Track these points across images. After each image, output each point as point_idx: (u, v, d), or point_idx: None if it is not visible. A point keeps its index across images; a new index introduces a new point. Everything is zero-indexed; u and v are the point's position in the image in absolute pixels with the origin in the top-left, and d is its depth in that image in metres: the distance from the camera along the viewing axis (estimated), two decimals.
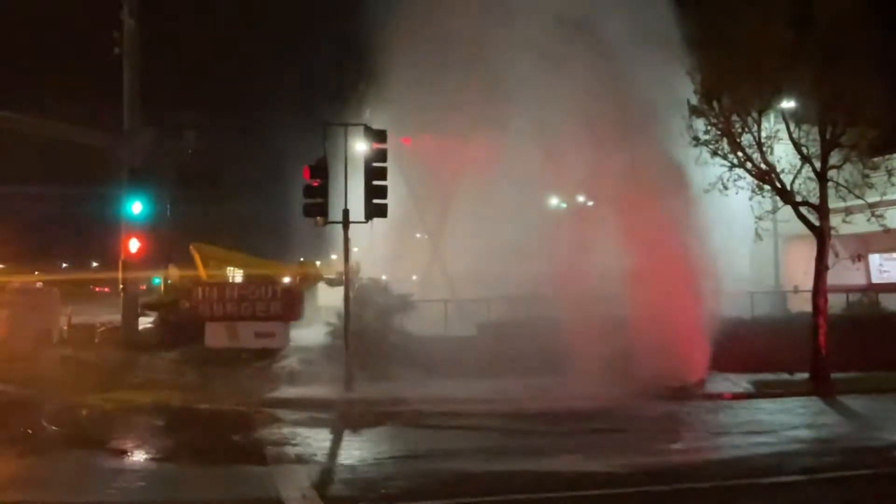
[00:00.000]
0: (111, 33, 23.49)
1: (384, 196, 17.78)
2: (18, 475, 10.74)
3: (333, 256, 25.17)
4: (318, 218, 17.72)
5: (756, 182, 18.43)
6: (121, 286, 23.48)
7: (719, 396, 17.41)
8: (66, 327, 26.51)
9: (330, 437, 14.12)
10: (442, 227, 28.63)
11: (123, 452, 12.73)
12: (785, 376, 19.05)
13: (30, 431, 13.58)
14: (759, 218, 18.53)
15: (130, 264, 23.33)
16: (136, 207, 22.61)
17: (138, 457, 12.63)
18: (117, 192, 23.68)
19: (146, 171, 23.53)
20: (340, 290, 18.84)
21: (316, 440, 13.44)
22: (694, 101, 18.32)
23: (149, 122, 24.94)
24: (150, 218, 23.16)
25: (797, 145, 18.24)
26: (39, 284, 30.28)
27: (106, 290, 24.11)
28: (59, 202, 39.17)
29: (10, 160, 32.56)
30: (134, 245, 22.60)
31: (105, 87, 26.82)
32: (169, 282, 27.18)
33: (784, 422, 14.54)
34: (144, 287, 28.77)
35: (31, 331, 23.52)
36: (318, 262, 30.67)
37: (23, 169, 34.82)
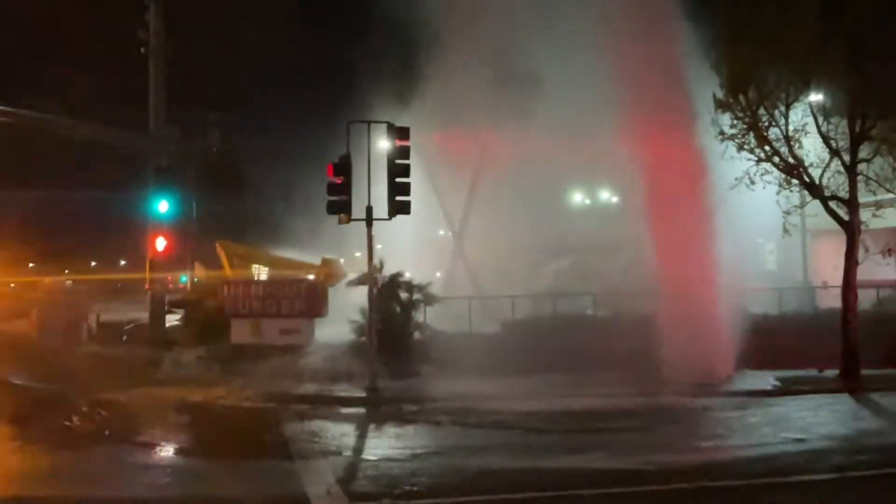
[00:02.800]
0: (137, 34, 23.75)
1: (407, 193, 17.78)
2: (50, 469, 10.92)
3: (357, 254, 25.19)
4: (342, 215, 17.76)
5: (784, 176, 18.17)
6: (147, 284, 23.75)
7: (747, 393, 17.18)
8: (94, 325, 26.87)
9: (354, 433, 14.17)
10: (465, 223, 28.59)
11: (151, 447, 12.90)
12: (814, 373, 18.77)
13: (60, 426, 13.79)
14: (787, 213, 18.29)
15: (157, 263, 23.57)
16: (163, 206, 22.81)
17: (165, 452, 12.79)
18: (144, 192, 23.93)
19: (172, 170, 23.73)
20: (364, 287, 18.89)
21: (340, 436, 13.50)
22: (720, 94, 18.09)
23: (174, 121, 25.17)
24: (176, 216, 23.36)
25: (826, 139, 17.93)
26: (69, 283, 30.74)
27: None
28: (88, 202, 39.64)
29: (38, 161, 33.06)
30: (160, 244, 22.81)
31: (130, 86, 27.11)
32: (196, 280, 27.47)
33: (813, 419, 14.33)
34: (172, 285, 29.09)
35: (61, 328, 23.89)
36: (342, 260, 30.74)
37: (51, 169, 35.32)
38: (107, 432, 13.65)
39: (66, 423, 14.14)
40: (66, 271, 45.46)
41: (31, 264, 50.22)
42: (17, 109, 23.63)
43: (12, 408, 15.87)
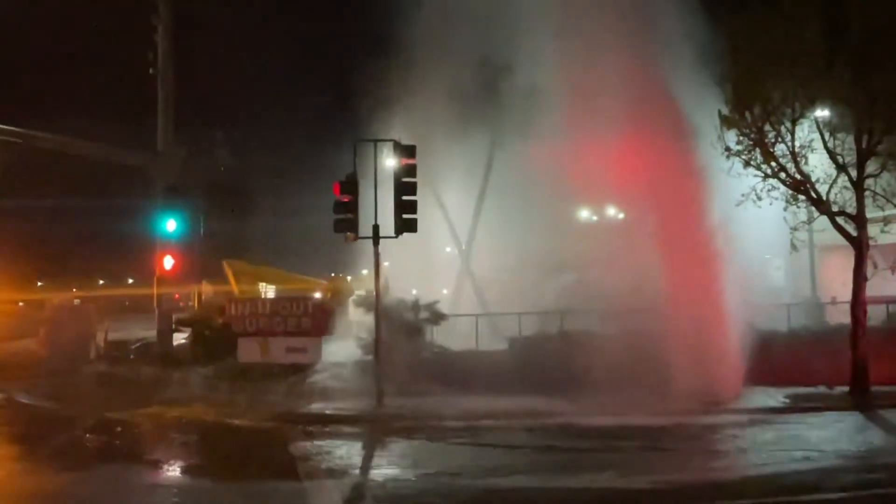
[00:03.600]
0: (145, 54, 23.97)
1: (414, 211, 17.83)
2: (56, 489, 10.87)
3: (364, 271, 25.25)
4: (349, 233, 17.81)
5: (791, 192, 18.13)
6: (155, 303, 23.80)
7: (756, 411, 17.06)
8: (102, 343, 26.91)
9: (362, 452, 14.13)
10: (472, 240, 28.61)
11: (158, 467, 12.89)
12: (823, 390, 18.62)
13: (67, 446, 13.79)
14: (795, 228, 18.23)
15: (165, 281, 23.66)
16: (171, 225, 22.94)
17: (173, 471, 12.77)
18: (152, 210, 24.06)
19: (180, 188, 23.87)
20: (370, 306, 18.90)
21: (348, 455, 13.46)
22: (725, 111, 18.11)
23: (182, 140, 25.34)
24: (183, 235, 23.46)
25: (832, 154, 17.91)
26: (77, 301, 30.84)
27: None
28: (95, 220, 39.90)
29: (45, 179, 33.29)
30: (168, 262, 22.90)
31: (137, 105, 27.36)
32: (203, 298, 27.53)
33: (823, 437, 14.22)
34: (183, 303, 29.15)
35: (69, 347, 23.92)
36: (348, 278, 30.82)
37: (58, 188, 35.57)
38: (114, 452, 13.62)
39: (74, 442, 14.15)
40: (74, 289, 45.60)
41: (39, 283, 50.42)
42: (26, 130, 23.87)
43: (19, 427, 15.91)
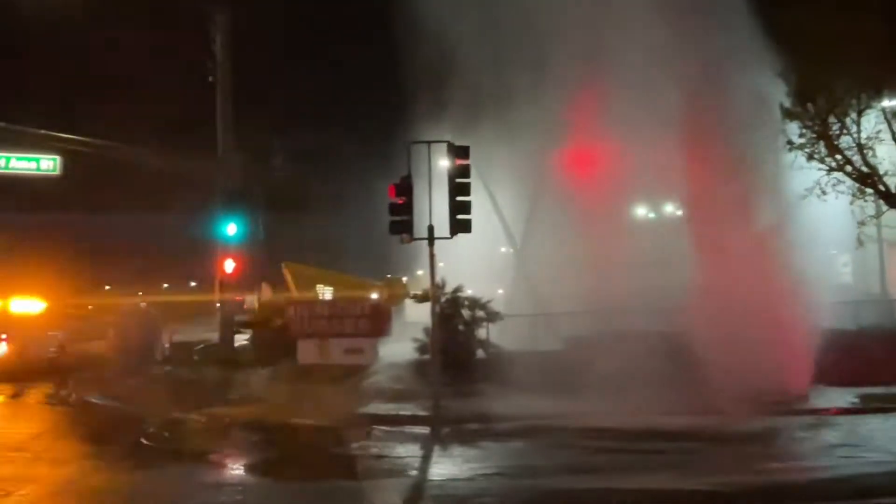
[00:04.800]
0: (204, 63, 24.58)
1: (468, 212, 17.83)
2: (126, 487, 11.26)
3: (419, 272, 25.40)
4: (404, 235, 17.91)
5: (857, 186, 17.57)
6: (217, 305, 24.38)
7: (823, 411, 16.53)
8: (167, 345, 27.67)
9: (419, 452, 14.19)
10: (527, 240, 28.48)
11: (223, 465, 13.22)
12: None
13: (136, 445, 14.24)
14: (862, 223, 17.67)
15: (226, 284, 24.24)
16: (231, 229, 23.49)
17: (237, 470, 13.07)
18: (213, 215, 24.65)
19: (239, 193, 24.41)
20: (427, 305, 18.98)
21: (406, 455, 13.54)
22: (787, 103, 17.65)
23: (240, 145, 25.90)
24: (243, 239, 23.99)
25: None
26: (143, 304, 31.74)
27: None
28: (159, 226, 41.08)
29: (111, 188, 34.42)
30: (229, 265, 23.45)
31: (195, 112, 28.07)
32: (262, 301, 28.08)
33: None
34: (246, 305, 29.79)
35: (136, 349, 24.66)
36: (404, 279, 31.03)
37: (123, 195, 36.73)
38: (180, 451, 13.99)
39: (142, 441, 14.59)
40: (140, 293, 46.99)
41: (107, 287, 52.19)
42: (93, 140, 24.75)
43: (91, 427, 16.47)
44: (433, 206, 17.94)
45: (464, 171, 17.90)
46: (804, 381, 17.69)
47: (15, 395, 21.00)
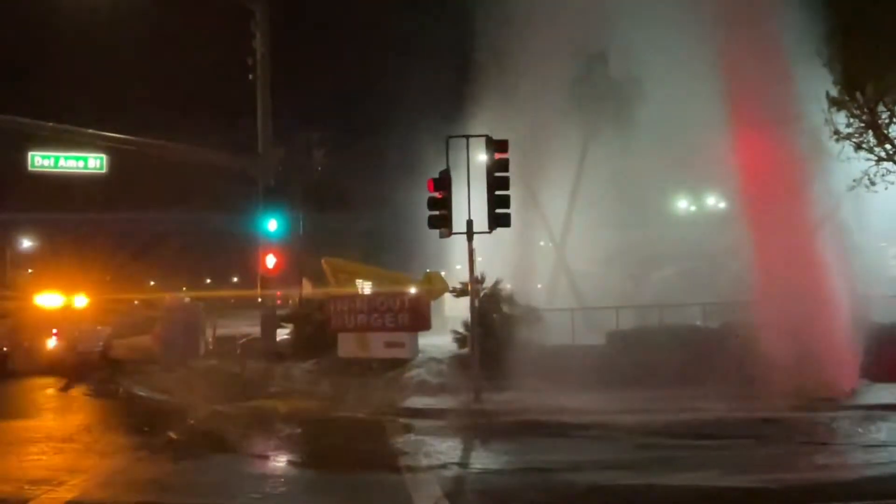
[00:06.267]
0: (244, 60, 24.89)
1: (507, 206, 17.77)
2: (171, 477, 11.48)
3: (458, 267, 25.39)
4: (443, 229, 17.93)
5: None
6: (259, 300, 24.70)
7: (873, 407, 16.10)
8: (210, 339, 28.13)
9: (460, 446, 14.20)
10: (567, 234, 28.29)
11: (266, 457, 13.40)
12: None
13: (181, 436, 14.51)
14: None
15: (268, 279, 24.56)
16: (272, 225, 23.79)
17: (279, 462, 13.22)
18: (254, 211, 24.98)
19: (279, 189, 24.69)
20: (466, 299, 18.97)
21: (446, 449, 13.55)
22: (834, 92, 17.21)
23: (280, 141, 26.19)
24: (284, 234, 24.28)
25: None
26: (187, 300, 32.31)
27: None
28: (202, 222, 41.82)
29: (155, 186, 35.10)
30: (270, 261, 23.76)
31: (235, 108, 28.43)
32: (303, 295, 28.35)
33: None
34: (281, 301, 30.12)
35: (180, 343, 25.11)
36: (443, 273, 31.04)
37: (167, 193, 37.44)
38: (223, 443, 14.22)
39: (187, 433, 14.86)
40: (184, 288, 47.89)
41: (151, 282, 53.29)
42: (137, 138, 25.23)
43: (137, 418, 16.83)
44: (472, 201, 17.93)
45: (503, 165, 17.84)
46: (852, 377, 17.27)
47: (64, 388, 21.55)
